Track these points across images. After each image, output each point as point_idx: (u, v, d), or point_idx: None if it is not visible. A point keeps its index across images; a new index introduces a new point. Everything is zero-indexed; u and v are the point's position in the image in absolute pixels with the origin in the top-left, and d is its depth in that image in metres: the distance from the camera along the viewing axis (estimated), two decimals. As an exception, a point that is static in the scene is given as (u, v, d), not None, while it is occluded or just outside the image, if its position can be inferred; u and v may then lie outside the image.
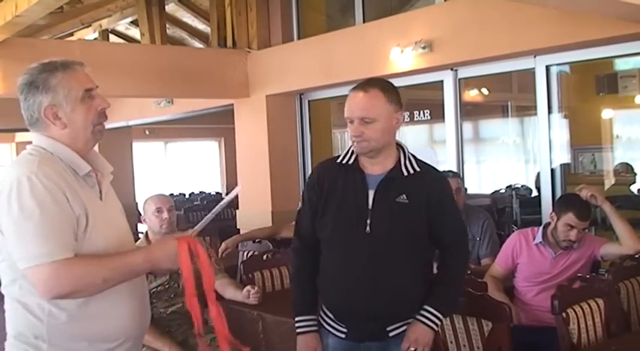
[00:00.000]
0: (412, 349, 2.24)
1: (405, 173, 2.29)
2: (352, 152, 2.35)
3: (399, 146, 2.35)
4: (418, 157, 2.38)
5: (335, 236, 2.30)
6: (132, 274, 1.89)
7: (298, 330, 2.39)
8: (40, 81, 1.90)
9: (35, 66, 1.94)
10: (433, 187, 2.30)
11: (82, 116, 1.90)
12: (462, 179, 5.27)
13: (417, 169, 2.31)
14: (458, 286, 2.44)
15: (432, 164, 2.42)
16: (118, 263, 1.84)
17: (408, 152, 2.35)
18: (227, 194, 12.57)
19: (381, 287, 2.22)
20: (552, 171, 4.76)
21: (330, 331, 2.38)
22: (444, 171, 4.43)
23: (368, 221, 2.25)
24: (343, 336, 2.34)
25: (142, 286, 2.05)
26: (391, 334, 2.28)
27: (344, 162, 2.36)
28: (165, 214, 3.58)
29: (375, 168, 2.31)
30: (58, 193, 1.78)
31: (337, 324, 2.36)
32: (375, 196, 2.27)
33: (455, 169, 5.16)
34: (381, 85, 2.27)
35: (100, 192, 1.96)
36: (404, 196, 2.26)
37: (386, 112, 2.24)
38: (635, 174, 5.47)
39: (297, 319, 2.40)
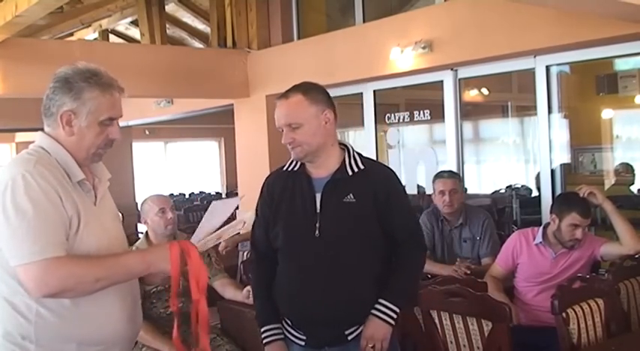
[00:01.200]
0: (370, 345, 2.19)
1: (350, 172, 2.27)
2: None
3: (344, 146, 2.34)
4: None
5: (287, 243, 2.29)
6: (127, 275, 1.89)
7: (264, 340, 2.36)
8: (76, 87, 1.90)
9: (81, 68, 1.93)
10: (379, 184, 2.26)
11: (92, 136, 1.91)
12: (462, 179, 5.27)
13: (362, 166, 2.28)
14: (413, 280, 2.40)
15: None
16: (111, 263, 1.85)
17: (353, 151, 2.33)
18: (227, 194, 12.58)
19: (335, 291, 2.19)
20: (552, 171, 4.76)
21: (291, 340, 2.35)
22: (443, 171, 4.43)
23: (317, 225, 2.23)
24: (303, 343, 2.31)
25: (134, 290, 2.04)
26: (350, 338, 2.25)
27: (289, 169, 2.37)
28: (169, 214, 3.57)
29: (320, 171, 2.30)
30: (51, 193, 1.78)
31: (296, 331, 2.34)
32: (322, 199, 2.26)
33: (455, 169, 5.16)
34: (302, 88, 2.28)
35: (95, 197, 1.97)
36: (351, 195, 2.24)
37: (310, 114, 2.24)
38: (634, 175, 5.48)
39: (262, 329, 2.38)
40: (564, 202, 3.60)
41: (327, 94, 2.32)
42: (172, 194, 12.29)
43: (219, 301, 3.70)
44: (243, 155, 6.99)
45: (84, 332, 1.87)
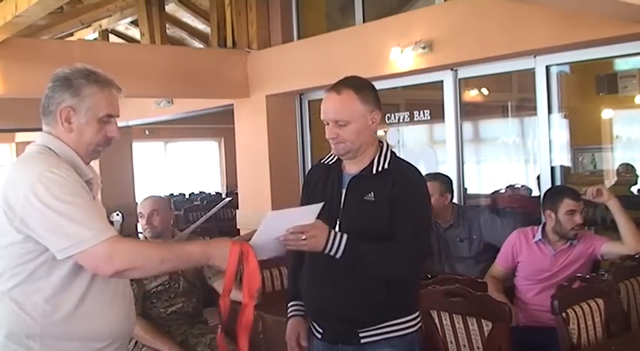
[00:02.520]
0: (295, 232, 2.03)
1: (375, 171, 2.26)
2: None
3: (380, 144, 2.33)
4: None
5: None
6: (187, 262, 1.97)
7: (288, 315, 2.46)
8: (75, 84, 1.94)
9: (80, 68, 1.98)
10: (398, 185, 2.23)
11: (91, 133, 1.95)
12: (462, 180, 5.27)
13: (387, 166, 2.27)
14: (379, 253, 2.16)
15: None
16: (176, 248, 1.93)
17: (386, 150, 2.32)
18: (227, 194, 12.59)
19: (348, 288, 2.19)
20: (552, 171, 4.76)
21: (312, 332, 2.39)
22: (427, 174, 4.39)
23: (338, 221, 2.24)
24: (320, 336, 2.34)
25: (128, 289, 2.10)
26: (363, 341, 2.24)
27: (327, 162, 2.38)
28: (144, 220, 3.60)
29: (353, 167, 2.31)
30: (82, 184, 1.87)
31: (316, 324, 2.37)
32: (346, 196, 2.27)
33: (455, 169, 5.16)
34: (354, 85, 2.25)
35: (94, 198, 2.00)
36: (371, 194, 2.23)
37: (359, 113, 2.22)
38: (637, 175, 5.48)
39: (288, 305, 2.47)
40: (553, 193, 3.62)
41: (377, 93, 2.30)
42: (172, 194, 12.29)
43: (219, 302, 3.69)
44: (243, 155, 6.99)
45: (86, 330, 1.91)
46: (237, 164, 7.11)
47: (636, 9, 3.33)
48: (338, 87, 2.25)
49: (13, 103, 8.33)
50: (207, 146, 14.99)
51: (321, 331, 2.34)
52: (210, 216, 2.12)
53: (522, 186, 6.19)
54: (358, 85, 2.27)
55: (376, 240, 2.18)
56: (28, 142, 2.01)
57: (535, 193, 5.43)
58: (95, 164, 2.14)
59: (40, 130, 2.02)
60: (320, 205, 2.06)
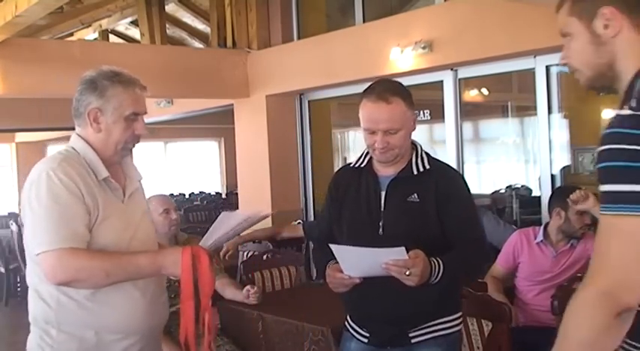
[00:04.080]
0: (405, 268, 2.01)
1: (415, 172, 2.24)
2: (366, 155, 2.32)
3: (414, 145, 2.31)
4: None
5: (351, 240, 2.25)
6: (137, 274, 1.97)
7: (326, 272, 2.25)
8: (100, 85, 2.03)
9: (105, 70, 2.07)
10: (442, 185, 2.22)
11: (119, 131, 2.03)
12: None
13: (427, 166, 2.25)
14: (463, 266, 2.21)
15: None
16: (123, 261, 1.94)
17: (421, 150, 2.31)
18: (227, 194, 12.59)
19: (397, 290, 2.12)
20: (552, 171, 4.76)
21: (353, 336, 2.35)
22: None
23: (380, 223, 2.22)
24: (366, 341, 2.30)
25: (157, 284, 2.13)
26: (414, 341, 2.23)
27: (357, 166, 2.34)
28: (173, 215, 3.58)
29: (389, 169, 2.27)
30: (73, 188, 1.91)
31: (360, 328, 2.33)
32: (387, 197, 2.24)
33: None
34: (399, 91, 2.21)
35: (124, 195, 2.08)
36: (415, 195, 2.21)
37: (407, 119, 2.20)
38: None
39: (326, 269, 2.26)
40: (564, 192, 3.59)
41: (411, 93, 2.27)
42: (172, 194, 12.29)
43: (220, 301, 3.70)
44: (243, 155, 6.99)
45: (101, 320, 1.99)
46: (237, 164, 7.12)
47: (636, 9, 3.33)
48: (385, 95, 2.16)
49: (13, 103, 8.34)
50: (207, 146, 14.99)
51: (367, 334, 2.30)
52: (242, 229, 2.09)
53: (522, 186, 6.21)
54: (403, 92, 2.22)
55: (455, 250, 2.17)
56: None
57: (536, 193, 5.44)
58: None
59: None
60: (403, 250, 1.98)
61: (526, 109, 5.54)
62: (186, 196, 12.79)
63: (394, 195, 2.24)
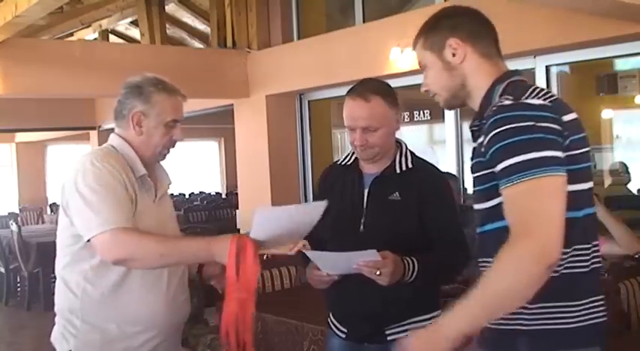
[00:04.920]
0: (375, 267, 2.02)
1: (398, 170, 2.27)
2: (353, 153, 2.37)
3: (399, 144, 2.34)
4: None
5: (333, 236, 2.30)
6: (187, 258, 2.05)
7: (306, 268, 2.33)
8: (146, 91, 2.15)
9: (150, 77, 2.22)
10: (425, 184, 2.24)
11: (158, 135, 2.15)
12: (462, 180, 5.27)
13: (411, 165, 2.28)
14: (440, 271, 2.24)
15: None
16: (177, 243, 2.01)
17: (406, 149, 2.33)
18: (227, 194, 12.58)
19: (373, 287, 2.15)
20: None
21: (334, 332, 2.39)
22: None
23: (362, 220, 2.25)
24: (344, 336, 2.35)
25: (181, 280, 2.20)
26: (390, 338, 2.25)
27: (343, 163, 2.39)
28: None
29: (373, 167, 2.31)
30: (118, 176, 2.01)
31: (339, 324, 2.37)
32: (369, 195, 2.28)
33: (455, 169, 5.16)
34: (381, 91, 2.24)
35: (155, 196, 2.18)
36: (396, 193, 2.24)
37: (388, 118, 2.22)
38: (629, 173, 5.47)
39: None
40: None
41: (396, 95, 2.30)
42: (172, 194, 12.28)
43: (219, 302, 3.70)
44: (243, 155, 6.99)
45: (124, 312, 2.06)
46: (237, 164, 7.12)
47: (636, 9, 3.34)
48: (364, 94, 2.20)
49: (13, 103, 8.34)
50: (207, 146, 14.99)
51: (345, 330, 2.34)
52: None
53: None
54: (384, 90, 2.24)
55: (433, 251, 2.19)
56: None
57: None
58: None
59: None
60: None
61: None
62: (186, 196, 12.79)
63: (376, 193, 2.27)
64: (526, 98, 1.47)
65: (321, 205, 2.02)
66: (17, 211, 10.69)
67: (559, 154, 1.40)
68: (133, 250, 1.93)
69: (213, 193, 13.27)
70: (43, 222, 10.40)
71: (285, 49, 6.50)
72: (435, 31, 1.68)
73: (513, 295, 1.39)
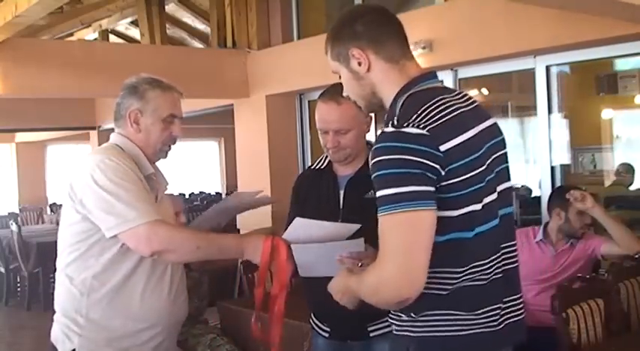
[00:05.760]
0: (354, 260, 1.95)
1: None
2: (326, 157, 2.42)
3: (369, 145, 2.37)
4: None
5: None
6: (222, 252, 2.05)
7: None
8: (141, 89, 2.18)
9: (145, 76, 2.24)
10: None
11: (157, 132, 2.17)
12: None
13: None
14: None
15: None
16: (213, 237, 2.06)
17: None
18: (227, 194, 12.57)
19: None
20: (552, 171, 4.76)
21: (317, 331, 2.42)
22: None
23: (339, 220, 2.28)
24: (327, 335, 2.37)
25: (181, 277, 2.24)
26: (372, 334, 2.27)
27: (317, 168, 2.45)
28: (182, 219, 3.58)
29: (347, 169, 2.36)
30: (132, 173, 2.05)
31: (321, 324, 2.40)
32: (345, 196, 2.33)
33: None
34: None
35: (156, 197, 2.20)
36: (372, 192, 2.26)
37: (359, 120, 2.28)
38: (634, 175, 5.47)
39: None
40: (563, 193, 3.59)
41: None
42: (172, 194, 12.28)
43: (219, 302, 3.70)
44: (243, 155, 6.99)
45: (127, 308, 2.08)
46: (237, 164, 7.11)
47: (636, 9, 3.33)
48: (336, 97, 2.24)
49: (13, 103, 8.34)
50: (207, 146, 14.99)
51: (328, 329, 2.37)
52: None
53: (522, 186, 6.21)
54: None
55: None
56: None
57: (535, 193, 5.44)
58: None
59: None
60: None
61: (526, 109, 5.54)
62: (186, 196, 12.78)
63: (352, 193, 2.32)
64: (407, 125, 1.45)
65: (354, 227, 2.03)
66: (17, 211, 10.68)
67: (426, 188, 1.42)
68: (171, 241, 1.96)
69: (213, 193, 13.25)
70: (43, 222, 10.41)
71: (285, 49, 6.50)
72: (338, 41, 1.67)
73: (371, 301, 1.54)
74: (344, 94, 1.77)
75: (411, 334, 1.58)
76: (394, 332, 1.65)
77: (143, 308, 2.09)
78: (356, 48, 1.60)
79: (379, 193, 1.47)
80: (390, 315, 1.65)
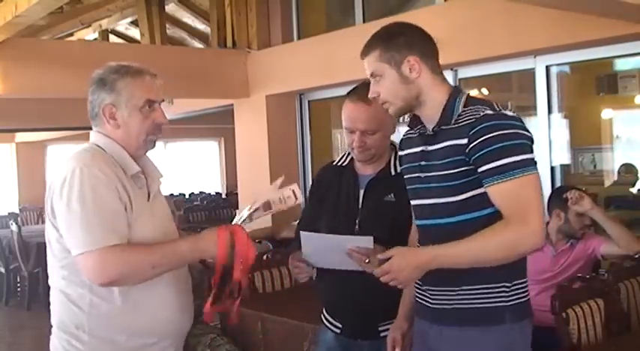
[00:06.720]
0: (379, 267, 1.85)
1: (393, 172, 2.30)
2: (348, 154, 2.41)
3: (393, 146, 2.37)
4: None
5: (329, 233, 2.28)
6: (180, 261, 1.95)
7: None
8: (109, 80, 1.96)
9: (111, 66, 2.01)
10: None
11: (137, 123, 1.97)
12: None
13: None
14: None
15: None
16: (166, 250, 1.90)
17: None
18: (227, 194, 12.58)
19: (368, 285, 2.14)
20: (552, 171, 4.76)
21: (328, 327, 2.41)
22: None
23: (357, 220, 2.28)
24: (338, 331, 2.37)
25: (186, 279, 2.11)
26: (383, 334, 2.25)
27: (339, 164, 2.43)
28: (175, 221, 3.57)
29: (368, 169, 2.35)
30: (109, 184, 1.85)
31: (333, 319, 2.40)
32: (365, 196, 2.32)
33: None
34: None
35: (148, 194, 2.02)
36: (392, 195, 2.27)
37: (387, 121, 2.26)
38: (637, 176, 5.47)
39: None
40: (562, 194, 3.59)
41: None
42: (172, 194, 12.29)
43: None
44: (243, 155, 6.99)
45: (135, 322, 1.94)
46: (237, 164, 7.12)
47: (636, 9, 3.34)
48: (365, 97, 2.17)
49: (13, 103, 8.33)
50: (207, 146, 14.98)
51: (340, 326, 2.37)
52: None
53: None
54: None
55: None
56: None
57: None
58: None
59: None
60: (370, 239, 1.98)
61: (526, 109, 5.54)
62: (187, 196, 12.78)
63: (371, 194, 2.31)
64: (500, 110, 1.80)
65: (369, 240, 1.99)
66: (17, 211, 10.68)
67: (534, 156, 1.77)
68: (122, 269, 1.82)
69: (213, 193, 13.25)
70: (43, 222, 10.36)
71: (285, 49, 6.50)
72: (392, 47, 1.86)
73: (495, 262, 1.77)
74: (373, 95, 1.91)
75: (505, 304, 1.91)
76: (485, 305, 1.86)
77: (149, 322, 1.96)
78: (414, 56, 1.86)
79: (505, 161, 1.70)
80: (477, 291, 1.85)
